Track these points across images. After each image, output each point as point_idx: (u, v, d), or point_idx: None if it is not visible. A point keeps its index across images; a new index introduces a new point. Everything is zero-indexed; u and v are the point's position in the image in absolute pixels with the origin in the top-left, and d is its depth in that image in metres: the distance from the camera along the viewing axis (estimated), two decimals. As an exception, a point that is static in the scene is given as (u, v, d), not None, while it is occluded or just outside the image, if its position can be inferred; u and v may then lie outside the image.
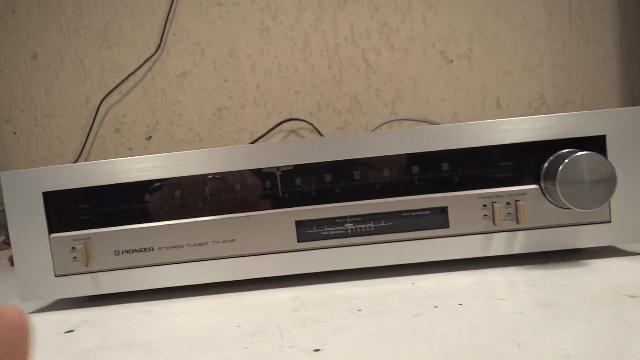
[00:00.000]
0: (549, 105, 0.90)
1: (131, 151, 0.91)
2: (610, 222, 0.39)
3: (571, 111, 0.91)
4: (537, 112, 0.90)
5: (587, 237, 0.39)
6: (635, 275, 0.34)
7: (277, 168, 0.40)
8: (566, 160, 0.36)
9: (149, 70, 0.90)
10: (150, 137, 0.91)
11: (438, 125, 0.40)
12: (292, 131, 0.91)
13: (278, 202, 0.40)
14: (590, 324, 0.27)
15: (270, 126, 0.90)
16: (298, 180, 0.40)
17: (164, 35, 0.90)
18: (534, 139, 0.39)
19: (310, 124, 0.89)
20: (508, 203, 0.39)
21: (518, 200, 0.39)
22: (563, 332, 0.26)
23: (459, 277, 0.38)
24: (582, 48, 0.90)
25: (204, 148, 0.91)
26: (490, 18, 0.89)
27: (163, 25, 0.89)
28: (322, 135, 0.89)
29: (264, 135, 0.89)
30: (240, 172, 0.40)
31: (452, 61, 0.90)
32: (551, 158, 0.38)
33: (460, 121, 0.90)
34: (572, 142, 0.39)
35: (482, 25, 0.90)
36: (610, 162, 0.36)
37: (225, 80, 0.91)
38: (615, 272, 0.35)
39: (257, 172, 0.40)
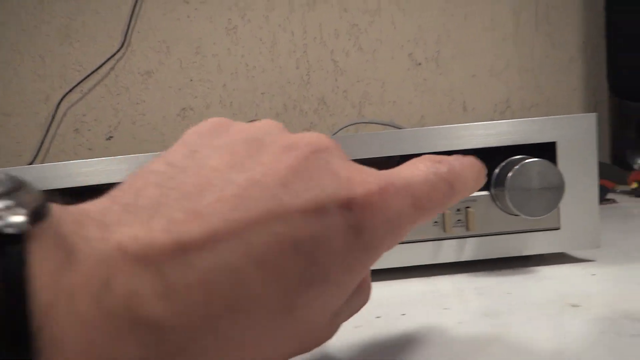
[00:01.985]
0: (514, 109, 0.91)
1: (91, 152, 0.89)
2: (559, 228, 0.39)
3: (536, 114, 0.92)
4: (503, 115, 0.90)
5: (536, 244, 0.39)
6: (581, 283, 0.34)
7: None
8: (515, 167, 0.36)
9: (112, 68, 0.88)
10: (112, 137, 0.89)
11: (393, 130, 0.40)
12: (259, 132, 0.90)
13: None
14: (528, 335, 0.26)
15: (237, 127, 0.88)
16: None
17: (129, 33, 0.88)
18: (487, 145, 0.39)
19: (276, 125, 0.88)
20: (458, 210, 0.38)
21: (468, 207, 0.38)
22: (500, 344, 0.26)
23: (407, 285, 0.37)
24: (548, 52, 0.91)
25: (167, 149, 0.90)
26: (459, 21, 0.90)
27: (128, 22, 0.88)
28: (288, 137, 0.88)
29: (229, 136, 0.87)
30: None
31: (420, 64, 0.90)
32: (502, 165, 0.38)
33: (427, 124, 0.90)
34: (524, 149, 0.39)
35: (451, 28, 0.90)
36: (558, 170, 0.36)
37: (191, 80, 0.89)
38: (561, 280, 0.35)
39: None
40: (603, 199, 0.65)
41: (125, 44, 0.88)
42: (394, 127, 0.69)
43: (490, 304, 0.32)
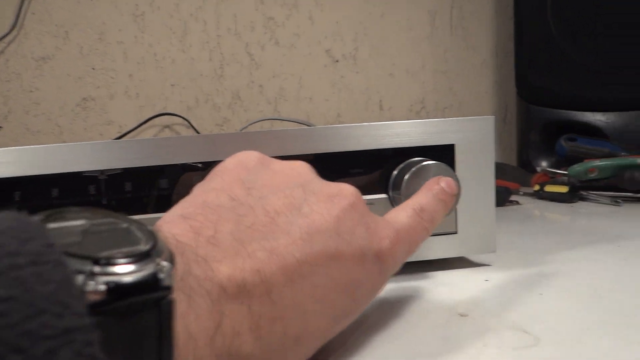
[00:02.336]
0: (428, 110, 0.92)
1: (-23, 142, 0.80)
2: (456, 233, 0.38)
3: (449, 116, 0.93)
4: (418, 115, 0.91)
5: (433, 249, 0.38)
6: (473, 289, 0.33)
7: (102, 172, 0.35)
8: (412, 170, 0.35)
9: (2, 52, 0.80)
10: (1, 127, 0.80)
11: (289, 129, 0.37)
12: (167, 127, 0.85)
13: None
14: (413, 350, 0.25)
15: (142, 120, 0.83)
16: (128, 186, 0.35)
17: (21, 14, 0.80)
18: (385, 146, 0.37)
19: (186, 120, 0.84)
20: (355, 213, 0.37)
21: (365, 211, 0.37)
22: (378, 356, 0.24)
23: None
24: (462, 54, 0.92)
25: (64, 142, 0.83)
26: (376, 19, 0.89)
27: (20, 2, 0.79)
28: (197, 132, 0.84)
29: (133, 130, 0.82)
30: (57, 176, 0.34)
31: (337, 61, 0.89)
32: (400, 167, 0.37)
33: (344, 122, 0.89)
34: (424, 151, 0.37)
35: (369, 26, 0.89)
36: (454, 173, 0.35)
37: (93, 68, 0.82)
38: (455, 286, 0.34)
39: (77, 176, 0.35)
40: (507, 201, 0.67)
41: (18, 26, 0.80)
42: (303, 124, 0.67)
43: (379, 315, 0.30)
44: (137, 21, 0.83)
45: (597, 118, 0.77)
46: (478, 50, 0.93)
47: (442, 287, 0.34)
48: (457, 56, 0.93)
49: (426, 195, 0.29)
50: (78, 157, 0.34)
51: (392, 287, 0.35)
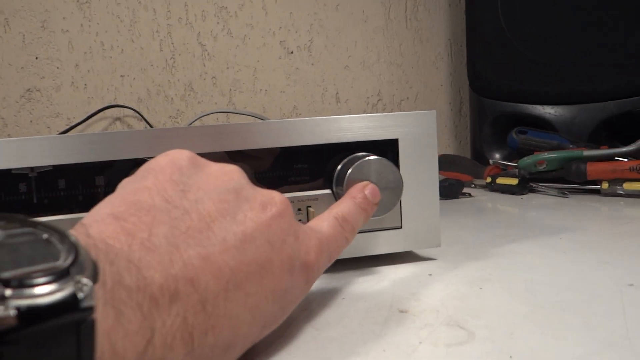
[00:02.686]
0: (385, 102, 0.92)
1: None
2: (401, 227, 0.38)
3: (406, 108, 0.94)
4: (375, 108, 0.91)
5: (379, 244, 0.38)
6: (416, 284, 0.33)
7: (32, 169, 0.33)
8: (354, 165, 0.34)
9: (-64, 39, 0.76)
10: (-64, 120, 0.76)
11: (233, 124, 0.36)
12: (118, 119, 0.83)
13: (32, 211, 0.33)
14: (349, 349, 0.25)
15: (91, 112, 0.80)
16: (62, 184, 0.34)
17: (-44, -1, 0.76)
18: (330, 141, 0.37)
19: (137, 112, 0.81)
20: (299, 209, 0.36)
21: (309, 206, 0.36)
22: (318, 356, 0.24)
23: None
24: (417, 47, 0.93)
25: (9, 135, 0.79)
26: (331, 11, 0.88)
27: (-45, -14, 0.75)
28: (149, 125, 0.81)
29: (82, 122, 0.79)
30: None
31: (292, 52, 0.88)
32: (344, 162, 0.36)
33: (300, 115, 0.88)
34: (368, 146, 0.37)
35: (323, 18, 0.88)
36: (396, 169, 0.35)
37: (37, 58, 0.79)
38: (399, 281, 0.34)
39: (5, 173, 0.33)
40: (460, 193, 0.68)
41: (-47, 12, 0.76)
42: (256, 117, 0.66)
43: (321, 314, 0.30)
44: (82, 9, 0.80)
45: (546, 111, 0.78)
46: (432, 43, 0.94)
47: (386, 282, 0.34)
48: (412, 49, 0.93)
49: (349, 204, 0.30)
50: (22, 152, 0.33)
51: (335, 284, 0.35)
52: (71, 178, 0.34)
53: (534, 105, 0.80)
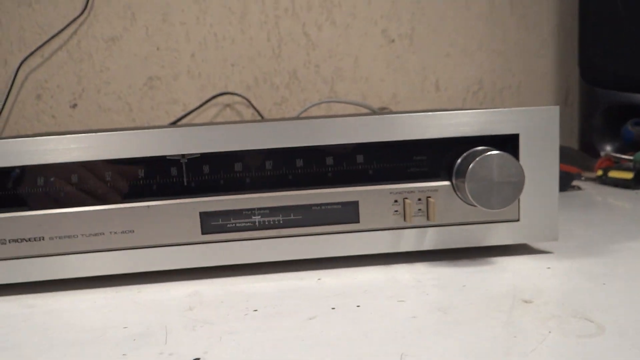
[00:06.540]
0: (486, 90, 0.91)
1: (54, 119, 0.85)
2: (519, 220, 0.39)
3: (507, 97, 0.92)
4: (475, 96, 0.90)
5: (496, 235, 0.39)
6: (536, 277, 0.34)
7: (183, 155, 0.38)
8: (476, 159, 0.35)
9: (75, 33, 0.84)
10: (76, 105, 0.85)
11: (351, 117, 0.39)
12: (228, 105, 0.88)
13: (182, 192, 0.38)
14: (477, 333, 0.26)
15: (205, 99, 0.86)
16: (206, 169, 0.38)
17: (91, -4, 0.84)
18: (451, 134, 0.38)
19: (246, 99, 0.86)
20: (419, 199, 0.38)
21: (429, 197, 0.38)
22: (447, 342, 0.26)
23: (366, 274, 0.37)
24: (521, 34, 0.90)
25: (134, 119, 0.87)
26: (434, -2, 0.88)
27: (90, -16, 0.83)
28: (257, 111, 0.86)
29: (197, 109, 0.85)
30: (142, 159, 0.37)
31: (393, 41, 0.89)
32: (464, 155, 0.38)
33: (399, 102, 0.90)
34: (488, 140, 0.38)
35: (426, 6, 0.88)
36: (519, 164, 0.36)
37: (158, 48, 0.86)
38: (518, 273, 0.35)
39: (161, 160, 0.37)
40: (568, 186, 0.66)
41: (88, 8, 0.84)
42: (363, 107, 0.68)
43: (444, 298, 0.32)
44: (198, 2, 0.86)
45: (664, 101, 0.74)
46: (538, 29, 0.91)
47: (505, 273, 0.36)
48: (516, 36, 0.91)
49: None
50: (175, 140, 0.37)
51: (453, 271, 0.36)
52: (215, 164, 0.38)
53: (651, 95, 0.76)
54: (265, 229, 0.38)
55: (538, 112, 0.38)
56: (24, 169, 0.37)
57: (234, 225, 0.38)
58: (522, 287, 0.33)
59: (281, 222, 0.38)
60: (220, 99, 0.87)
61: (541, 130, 0.38)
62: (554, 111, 0.38)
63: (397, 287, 0.34)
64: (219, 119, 0.89)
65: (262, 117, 0.87)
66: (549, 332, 0.26)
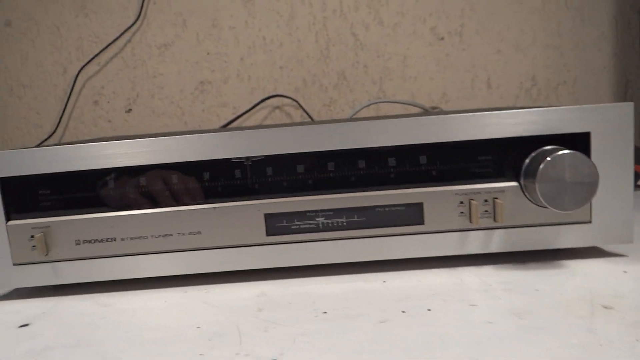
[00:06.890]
0: (540, 87, 0.88)
1: (110, 124, 0.88)
2: (590, 222, 0.37)
3: (563, 93, 0.89)
4: (528, 93, 0.88)
5: (566, 238, 0.38)
6: (613, 281, 0.33)
7: (247, 158, 0.38)
8: (547, 159, 0.34)
9: (129, 41, 0.87)
10: (131, 110, 0.88)
11: (417, 117, 0.38)
12: (277, 107, 0.89)
13: (247, 194, 0.38)
14: (560, 340, 0.26)
15: (255, 102, 0.87)
16: (269, 171, 0.38)
17: (144, 5, 0.86)
18: (517, 134, 0.37)
19: (295, 100, 0.87)
20: (486, 200, 0.37)
21: (496, 198, 0.37)
22: (529, 349, 0.25)
23: (432, 277, 0.36)
24: (577, 27, 0.87)
25: (186, 122, 0.89)
26: (484, -6, 0.86)
27: (143, -8, 0.85)
28: (307, 113, 0.86)
29: (247, 112, 0.86)
30: (208, 162, 0.38)
31: (442, 38, 0.87)
32: (532, 155, 0.37)
33: (449, 101, 0.88)
34: (556, 139, 0.37)
35: (475, 1, 0.87)
36: (593, 163, 0.34)
37: (208, 53, 0.87)
38: (592, 277, 0.34)
39: (226, 162, 0.38)
40: (635, 186, 0.63)
41: (141, 16, 0.86)
42: (415, 106, 0.67)
43: (517, 302, 0.31)
44: (247, 6, 0.87)
45: None
46: (594, 22, 0.88)
47: (578, 277, 0.34)
48: (570, 29, 0.88)
49: None
50: (239, 144, 0.38)
51: (522, 275, 0.35)
52: (277, 166, 0.38)
53: None
54: (329, 231, 0.38)
55: (610, 109, 0.36)
56: (98, 172, 0.38)
57: (298, 226, 0.38)
58: (599, 292, 0.31)
59: (345, 223, 0.38)
60: (269, 102, 0.88)
61: (614, 127, 0.36)
62: (628, 108, 0.36)
63: (465, 290, 0.33)
64: (268, 122, 0.90)
65: (311, 118, 0.87)
66: (637, 340, 0.25)
